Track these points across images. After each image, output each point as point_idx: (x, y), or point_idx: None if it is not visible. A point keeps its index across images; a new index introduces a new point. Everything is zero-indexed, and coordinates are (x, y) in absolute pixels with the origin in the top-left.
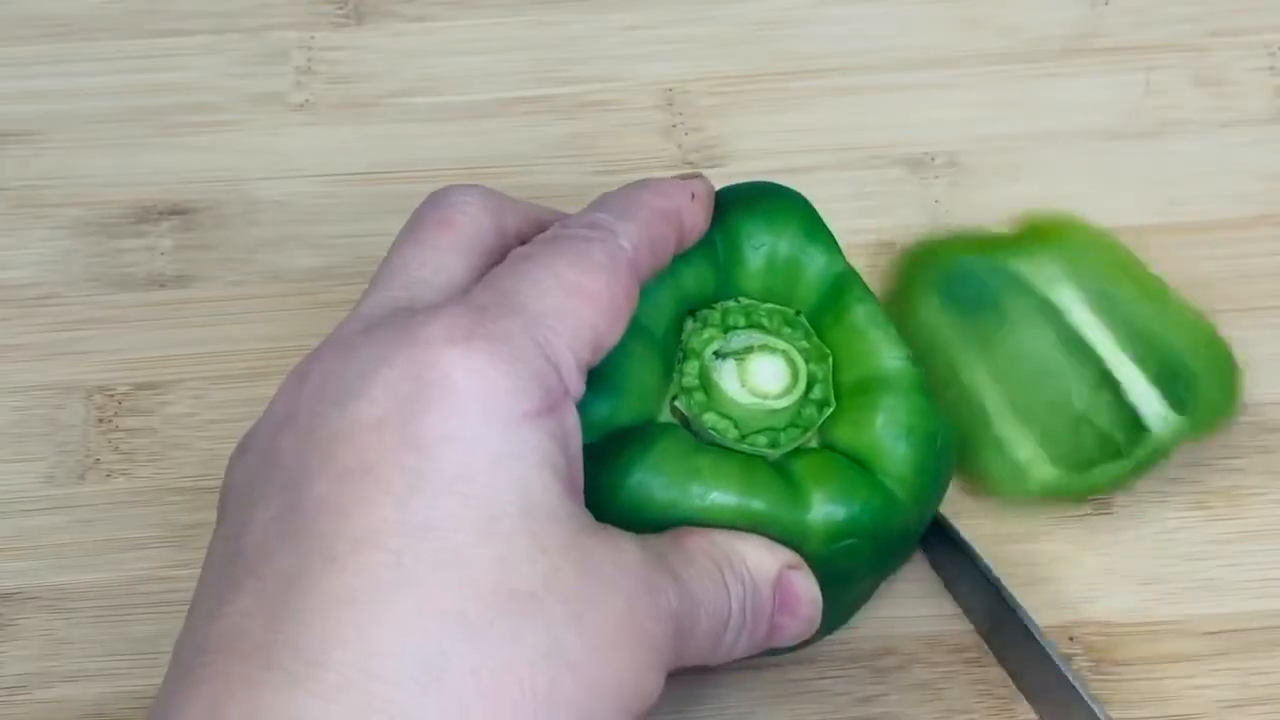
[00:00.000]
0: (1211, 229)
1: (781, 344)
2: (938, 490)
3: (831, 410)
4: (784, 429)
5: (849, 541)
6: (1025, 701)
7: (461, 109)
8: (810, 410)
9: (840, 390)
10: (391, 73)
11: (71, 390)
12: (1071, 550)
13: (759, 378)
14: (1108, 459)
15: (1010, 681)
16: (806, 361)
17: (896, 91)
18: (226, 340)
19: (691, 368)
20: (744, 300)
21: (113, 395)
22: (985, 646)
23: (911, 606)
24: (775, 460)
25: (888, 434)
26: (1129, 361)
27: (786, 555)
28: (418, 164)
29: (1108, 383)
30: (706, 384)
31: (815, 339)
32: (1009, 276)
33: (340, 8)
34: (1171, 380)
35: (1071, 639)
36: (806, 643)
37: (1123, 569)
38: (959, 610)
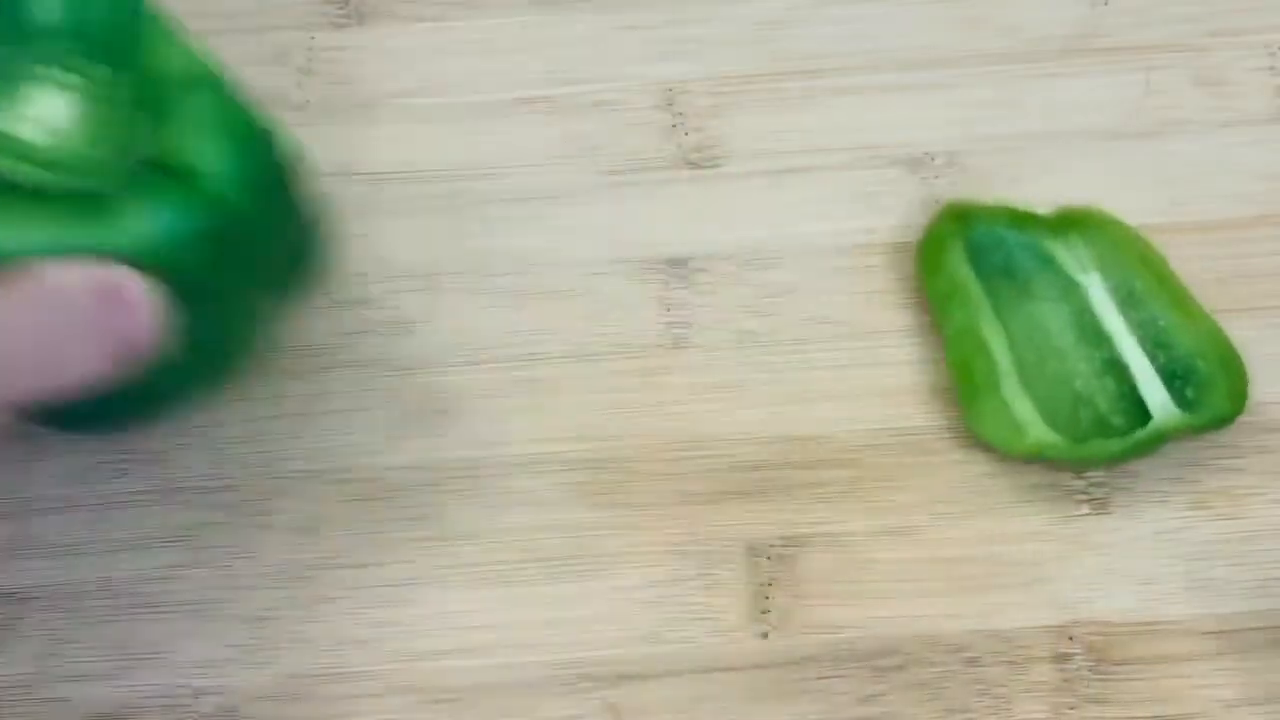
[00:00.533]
0: (1211, 229)
1: (70, 78)
2: (277, 184)
3: (142, 130)
4: (87, 159)
5: (184, 252)
6: (1024, 701)
7: (461, 110)
8: (119, 134)
9: (149, 108)
10: (392, 73)
11: None
12: (1071, 549)
13: (47, 113)
14: (1104, 438)
15: (1008, 681)
16: (102, 92)
17: (896, 91)
18: None
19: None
20: (27, 42)
21: None
22: (984, 646)
23: (911, 606)
24: (89, 189)
25: (204, 138)
26: (1141, 353)
27: (98, 264)
28: (417, 165)
29: (1114, 370)
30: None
31: (112, 69)
32: (1040, 253)
33: (341, 8)
34: (1182, 380)
35: (1071, 638)
36: (206, 369)
37: (1122, 568)
38: (957, 611)
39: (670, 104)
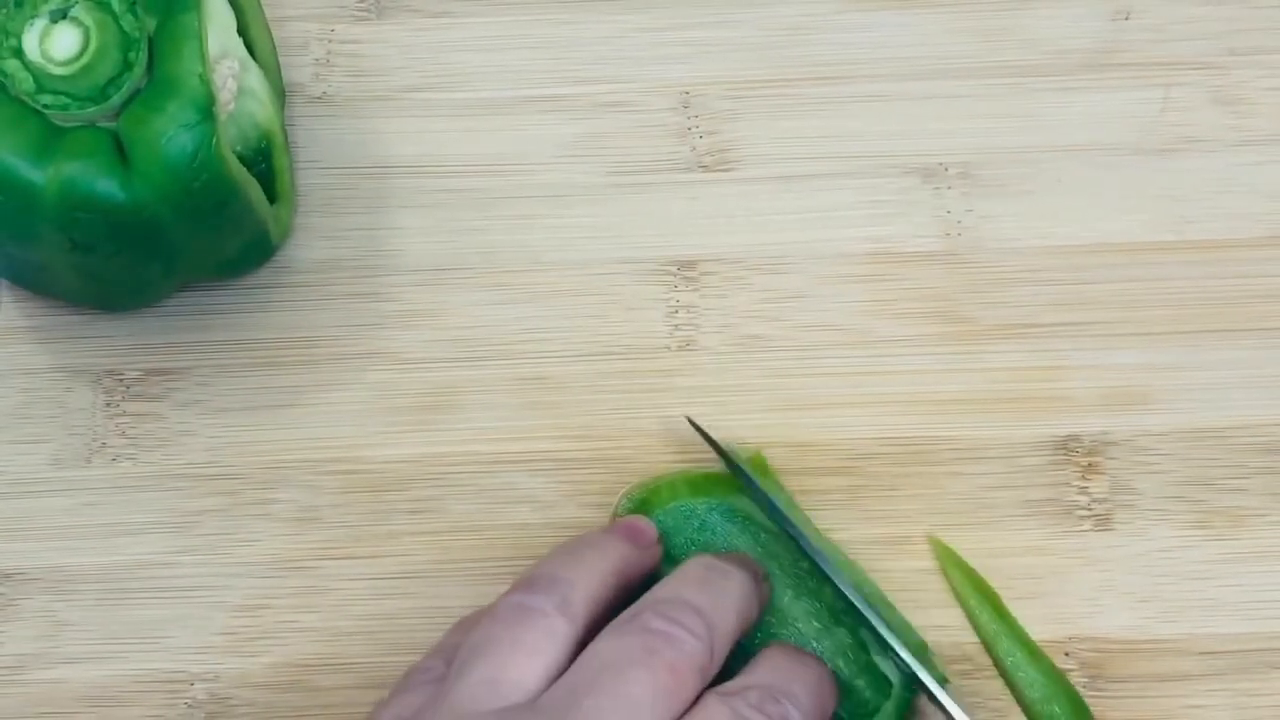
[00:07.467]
0: (1223, 248)
1: (89, 19)
2: (189, 199)
3: (129, 96)
4: (75, 98)
5: (81, 214)
6: (1020, 716)
7: (478, 105)
8: (112, 93)
9: (146, 82)
10: (409, 67)
11: (81, 373)
12: (1072, 564)
13: (53, 44)
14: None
15: (1003, 694)
16: (123, 48)
17: (912, 101)
18: (236, 328)
19: (14, 27)
20: None
21: (122, 380)
22: (978, 660)
23: (907, 616)
24: (63, 125)
25: (154, 133)
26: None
27: None
28: (432, 159)
29: (842, 620)
30: (19, 44)
31: (144, 30)
32: (735, 514)
33: (361, 1)
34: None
35: (1067, 654)
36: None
37: (1123, 585)
38: (959, 620)
39: (685, 106)
